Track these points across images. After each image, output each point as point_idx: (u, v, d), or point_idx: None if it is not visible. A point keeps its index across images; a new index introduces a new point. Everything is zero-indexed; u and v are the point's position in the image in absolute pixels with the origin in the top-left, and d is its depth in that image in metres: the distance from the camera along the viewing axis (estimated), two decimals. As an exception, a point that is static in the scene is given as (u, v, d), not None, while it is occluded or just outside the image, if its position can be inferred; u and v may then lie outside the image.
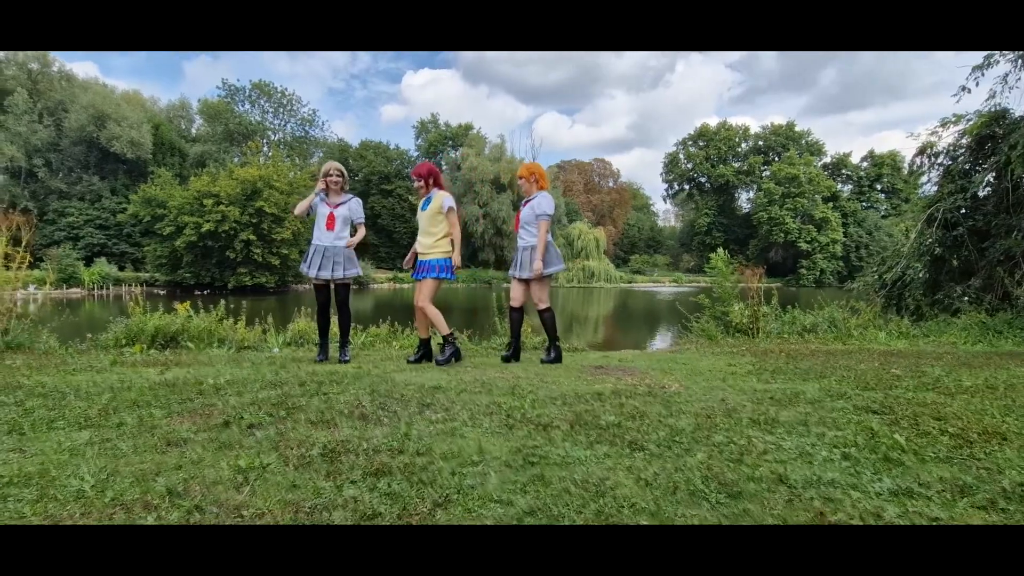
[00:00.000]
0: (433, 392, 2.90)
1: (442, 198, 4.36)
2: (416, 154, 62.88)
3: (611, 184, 79.81)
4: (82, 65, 77.94)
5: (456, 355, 4.33)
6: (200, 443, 2.04)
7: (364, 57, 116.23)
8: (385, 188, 53.93)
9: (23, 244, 6.81)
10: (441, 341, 4.40)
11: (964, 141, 10.30)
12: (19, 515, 1.48)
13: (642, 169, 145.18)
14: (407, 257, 4.58)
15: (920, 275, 9.69)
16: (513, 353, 4.57)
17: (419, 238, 4.47)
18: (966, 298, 8.72)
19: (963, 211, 9.56)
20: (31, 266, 35.65)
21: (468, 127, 60.06)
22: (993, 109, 9.85)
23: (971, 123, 10.13)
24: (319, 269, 4.33)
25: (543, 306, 4.48)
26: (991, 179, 9.61)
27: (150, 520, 1.45)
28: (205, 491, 1.61)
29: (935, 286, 9.79)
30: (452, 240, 4.43)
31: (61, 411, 2.50)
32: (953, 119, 10.52)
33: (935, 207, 9.65)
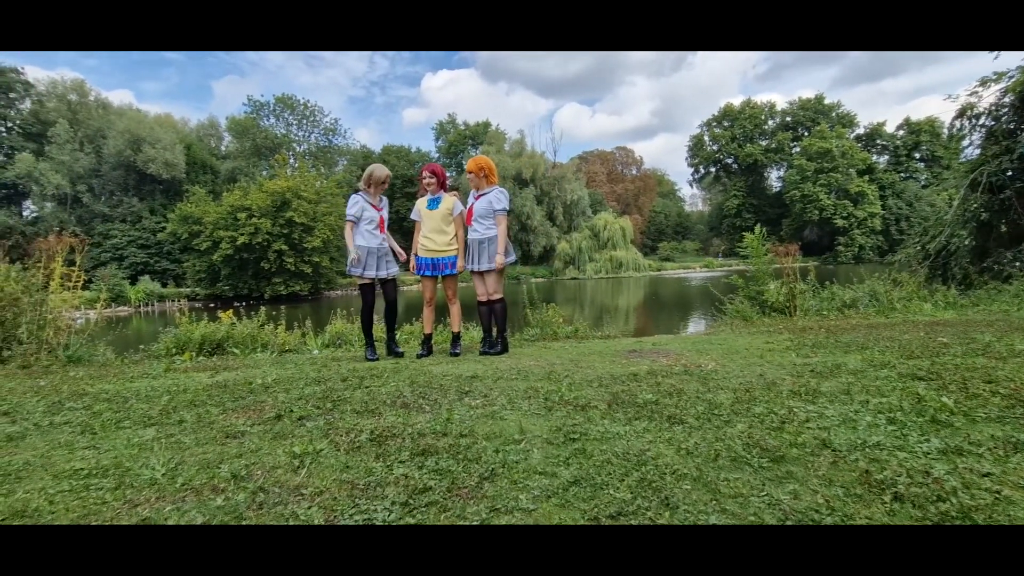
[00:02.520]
0: (471, 381, 2.97)
1: (453, 201, 4.55)
2: (436, 155, 63.38)
3: (635, 172, 78.83)
4: (117, 93, 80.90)
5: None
6: (256, 434, 2.15)
7: (382, 63, 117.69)
8: (409, 191, 54.53)
9: (77, 264, 7.20)
10: (454, 333, 4.57)
11: (1007, 100, 9.82)
12: (101, 501, 1.60)
13: (667, 155, 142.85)
14: (411, 259, 4.73)
15: (966, 243, 9.28)
16: (500, 345, 4.54)
17: (430, 235, 4.58)
18: (1017, 263, 8.32)
19: (1009, 173, 9.11)
20: (84, 287, 37.49)
21: (487, 125, 60.20)
22: (1038, 64, 9.36)
23: (1013, 80, 9.65)
24: (369, 269, 4.52)
25: (497, 296, 4.53)
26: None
27: (219, 501, 1.55)
28: (266, 475, 1.71)
29: (983, 253, 9.36)
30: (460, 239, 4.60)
31: (126, 413, 2.66)
32: (994, 77, 10.03)
33: (979, 171, 9.22)
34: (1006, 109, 9.79)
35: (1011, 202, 8.88)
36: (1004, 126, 9.74)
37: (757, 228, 6.68)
